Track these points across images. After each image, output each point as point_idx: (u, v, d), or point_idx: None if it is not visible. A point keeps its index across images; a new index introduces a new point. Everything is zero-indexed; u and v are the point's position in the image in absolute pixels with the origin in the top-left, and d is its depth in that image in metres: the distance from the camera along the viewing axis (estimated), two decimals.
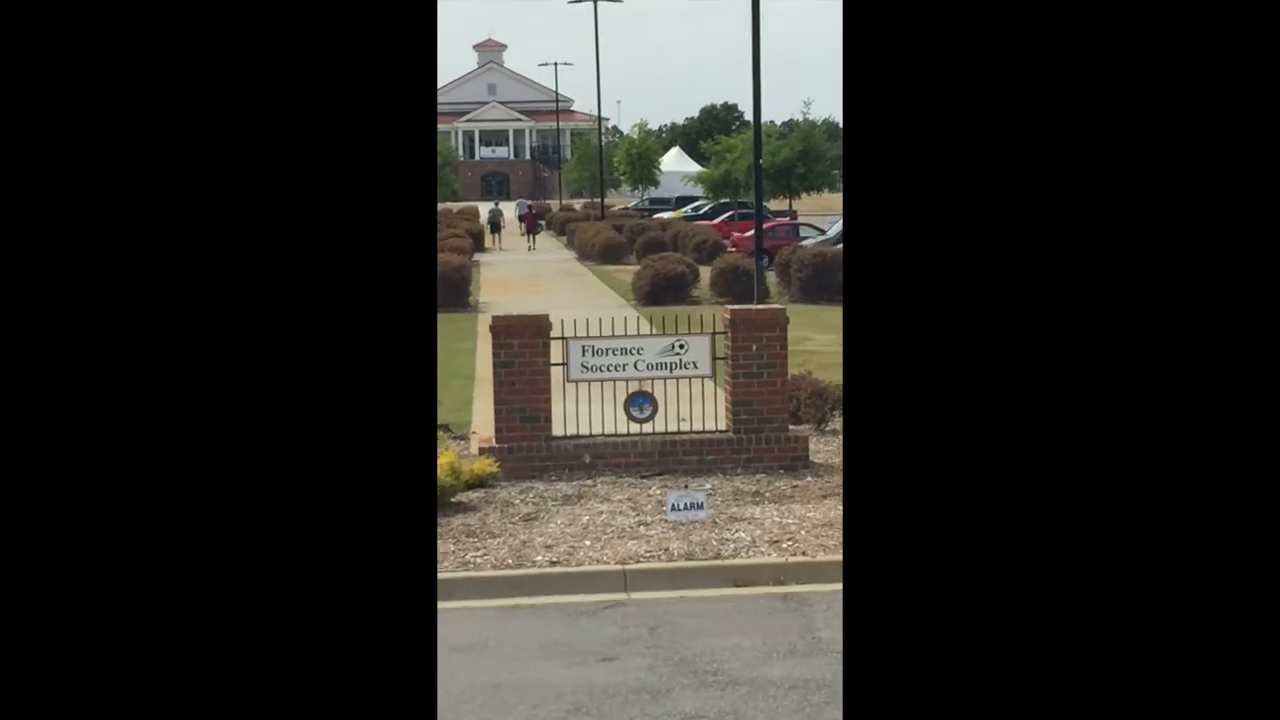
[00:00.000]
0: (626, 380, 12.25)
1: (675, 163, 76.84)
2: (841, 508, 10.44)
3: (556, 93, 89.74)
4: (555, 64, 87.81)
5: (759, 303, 23.86)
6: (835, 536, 9.64)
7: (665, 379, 12.26)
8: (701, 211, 55.85)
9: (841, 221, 37.00)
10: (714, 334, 12.26)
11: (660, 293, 28.34)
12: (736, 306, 12.79)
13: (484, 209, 59.57)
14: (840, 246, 31.62)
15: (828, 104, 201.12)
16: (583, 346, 12.18)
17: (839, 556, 9.22)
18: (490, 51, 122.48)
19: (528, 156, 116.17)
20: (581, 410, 12.19)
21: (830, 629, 8.11)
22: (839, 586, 8.89)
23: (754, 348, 12.12)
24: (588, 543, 9.69)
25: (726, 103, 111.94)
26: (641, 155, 69.37)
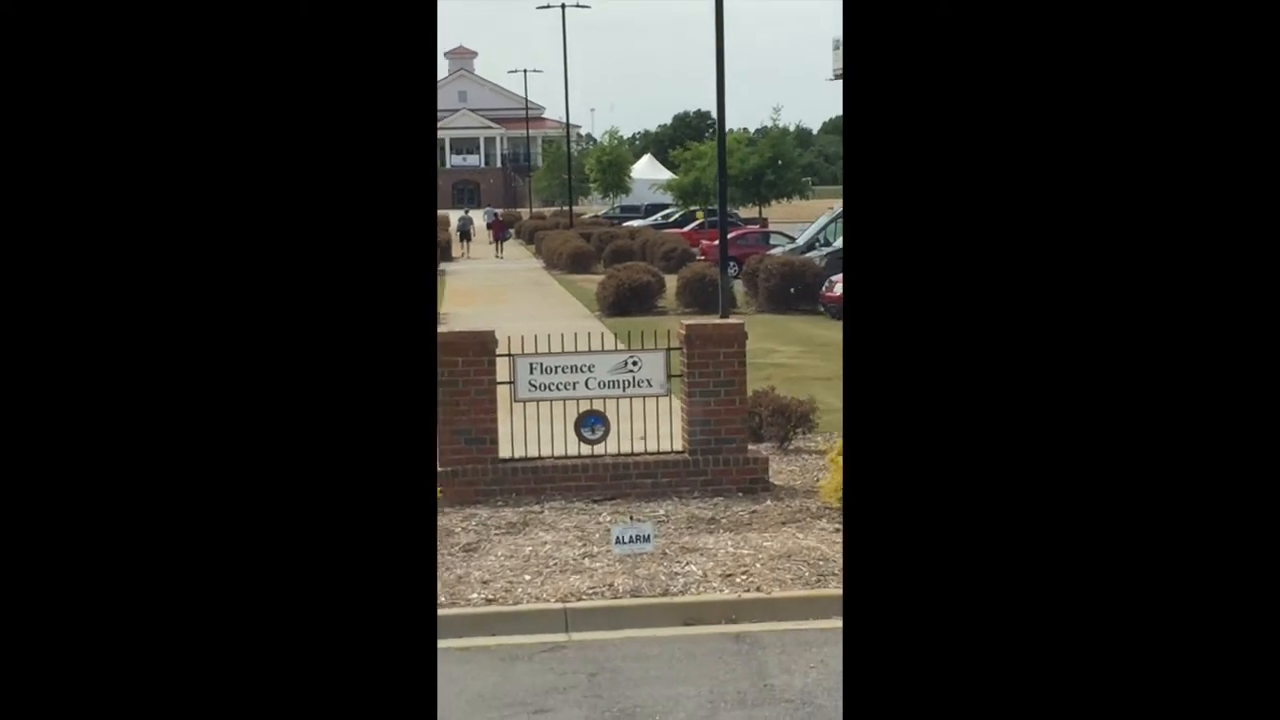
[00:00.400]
0: (577, 399, 11.62)
1: (647, 170, 76.23)
2: (799, 536, 9.83)
3: (526, 99, 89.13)
4: (525, 71, 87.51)
5: (724, 313, 23.28)
6: (792, 570, 9.01)
7: (618, 398, 11.63)
8: (672, 219, 55.26)
9: (811, 229, 36.48)
10: (669, 350, 11.64)
11: (625, 303, 27.73)
12: (692, 321, 12.17)
13: (454, 217, 58.88)
14: (809, 255, 31.08)
15: (798, 110, 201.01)
16: (530, 364, 11.55)
17: (795, 592, 8.62)
18: (461, 59, 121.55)
19: (499, 164, 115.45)
20: (530, 431, 11.56)
21: (785, 674, 7.49)
22: (794, 625, 8.30)
23: (711, 365, 11.53)
24: (528, 577, 9.03)
25: (700, 110, 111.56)
26: (612, 162, 68.75)
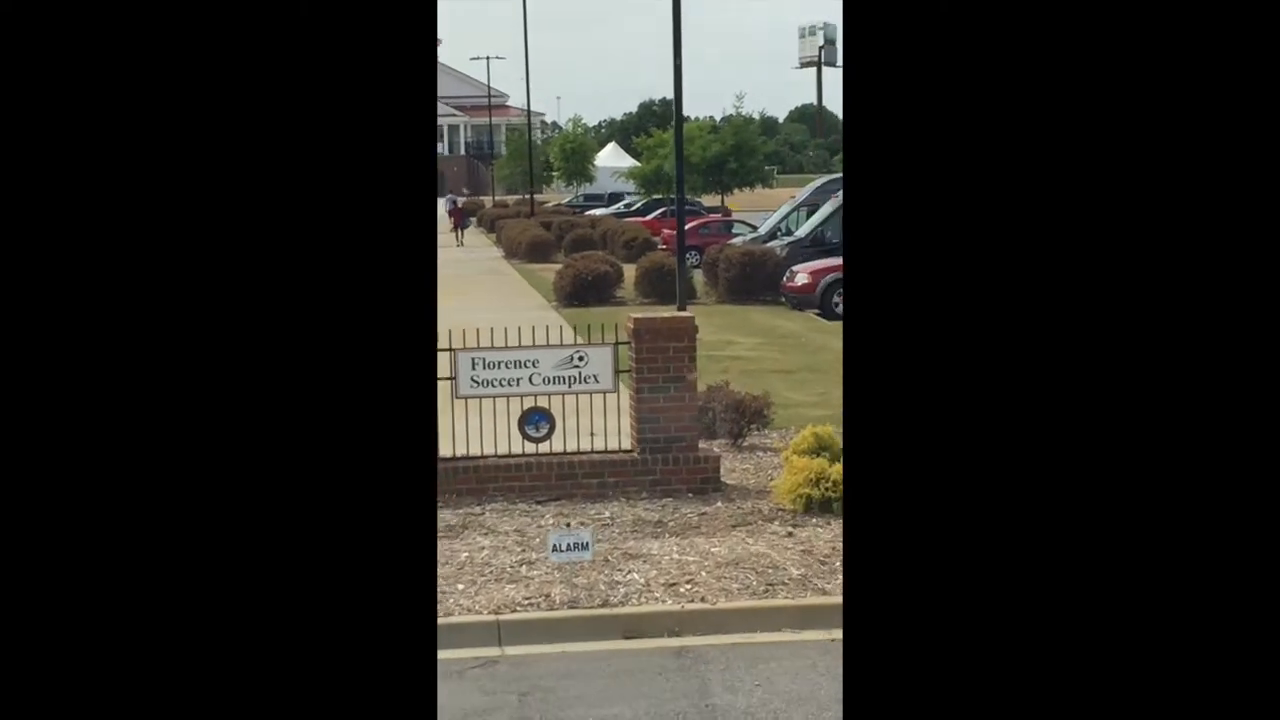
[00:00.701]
0: (521, 396, 11.16)
1: (611, 158, 75.73)
2: (749, 541, 9.39)
3: (489, 87, 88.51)
4: (487, 58, 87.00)
5: (680, 304, 22.84)
6: (739, 578, 8.55)
7: (564, 394, 11.17)
8: (634, 208, 54.78)
9: (773, 218, 36.06)
10: (616, 344, 11.18)
11: (583, 293, 27.24)
12: (640, 315, 11.71)
13: None
14: (770, 244, 30.64)
15: (764, 99, 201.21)
16: (472, 359, 11.08)
17: (741, 603, 8.18)
18: None
19: (463, 152, 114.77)
20: (472, 429, 11.10)
21: (728, 693, 7.04)
22: (739, 639, 7.85)
23: (660, 359, 11.09)
24: (461, 586, 8.55)
25: (665, 98, 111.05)
26: (576, 150, 68.19)
